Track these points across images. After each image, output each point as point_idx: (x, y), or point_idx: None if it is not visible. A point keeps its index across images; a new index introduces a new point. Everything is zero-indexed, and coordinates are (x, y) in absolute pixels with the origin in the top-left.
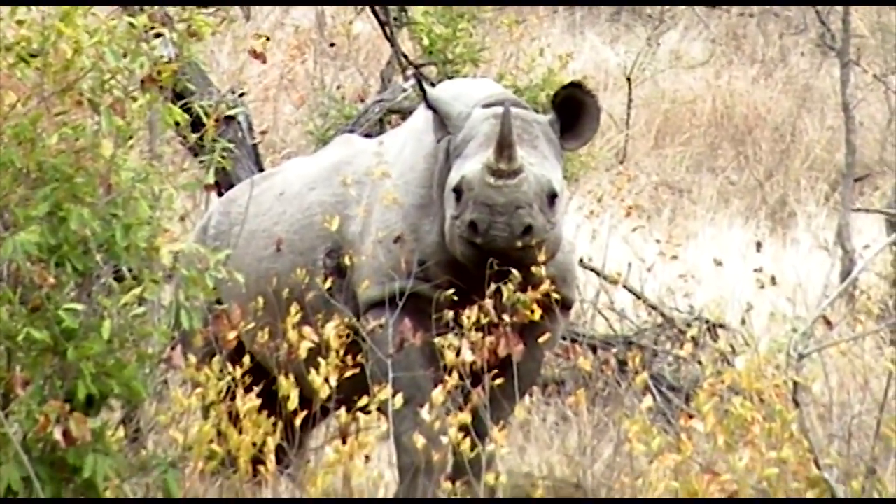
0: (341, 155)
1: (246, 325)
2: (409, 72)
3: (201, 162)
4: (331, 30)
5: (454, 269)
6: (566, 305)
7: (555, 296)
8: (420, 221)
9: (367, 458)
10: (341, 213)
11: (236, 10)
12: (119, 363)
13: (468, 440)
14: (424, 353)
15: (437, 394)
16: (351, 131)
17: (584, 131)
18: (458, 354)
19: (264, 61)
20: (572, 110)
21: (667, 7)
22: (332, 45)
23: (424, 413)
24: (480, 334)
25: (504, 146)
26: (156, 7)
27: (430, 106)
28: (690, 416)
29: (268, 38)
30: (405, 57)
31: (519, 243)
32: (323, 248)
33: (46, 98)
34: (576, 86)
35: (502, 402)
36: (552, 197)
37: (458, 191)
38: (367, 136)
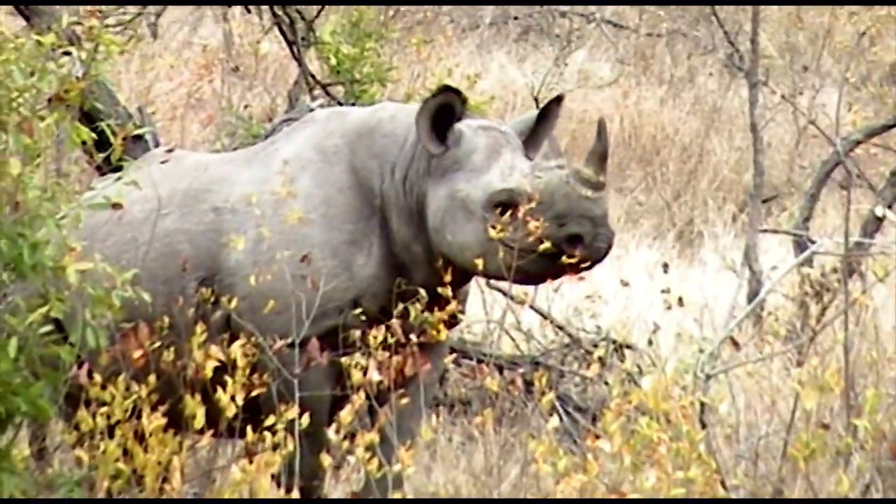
0: (190, 181)
1: (152, 345)
2: (317, 91)
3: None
4: (238, 49)
5: (387, 299)
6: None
7: (460, 315)
8: (353, 258)
9: (273, 476)
10: (215, 241)
11: (144, 29)
12: (25, 382)
13: (375, 461)
14: (329, 373)
15: (345, 414)
16: None
17: (539, 140)
18: (364, 374)
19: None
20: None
21: (575, 27)
22: (235, 68)
23: (331, 433)
24: (387, 354)
25: (604, 159)
26: (64, 25)
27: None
28: (597, 437)
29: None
30: (312, 76)
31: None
32: (194, 277)
33: None
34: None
35: (409, 422)
36: None
37: (505, 204)
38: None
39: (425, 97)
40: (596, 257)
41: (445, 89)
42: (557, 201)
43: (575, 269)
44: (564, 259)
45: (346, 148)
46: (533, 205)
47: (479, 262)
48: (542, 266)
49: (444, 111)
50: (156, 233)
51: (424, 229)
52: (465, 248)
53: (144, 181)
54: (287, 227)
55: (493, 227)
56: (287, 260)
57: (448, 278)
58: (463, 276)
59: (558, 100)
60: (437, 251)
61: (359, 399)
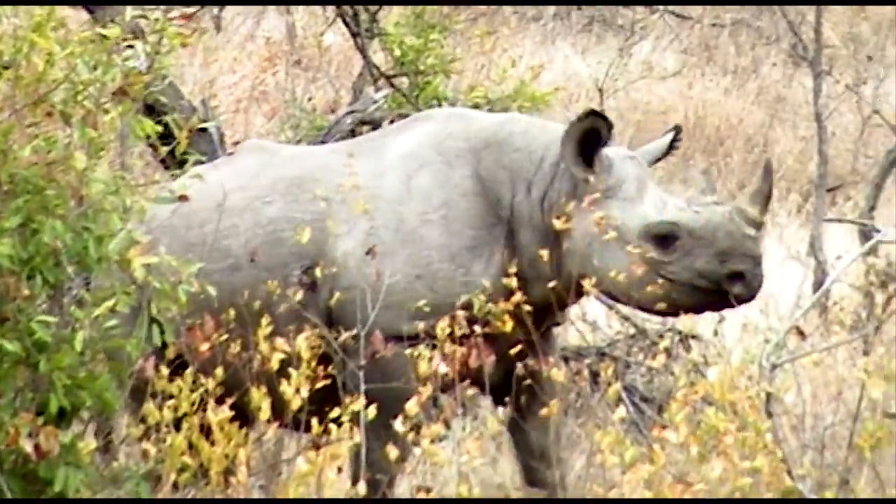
0: (294, 169)
1: (219, 338)
2: (380, 83)
3: (172, 174)
4: (302, 41)
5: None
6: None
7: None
8: (471, 264)
9: (340, 469)
10: (322, 230)
11: (208, 22)
12: (91, 375)
13: (441, 453)
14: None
15: (411, 405)
16: (323, 142)
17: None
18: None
19: None
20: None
21: (639, 18)
22: (299, 61)
23: (398, 424)
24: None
25: (769, 199)
26: (128, 19)
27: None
28: (663, 427)
29: None
30: (376, 68)
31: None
32: (299, 265)
33: (18, 110)
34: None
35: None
36: None
37: (668, 237)
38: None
39: (571, 121)
40: (751, 295)
41: (592, 113)
42: (721, 238)
43: (728, 304)
44: (728, 293)
45: (469, 154)
46: (694, 240)
47: (628, 291)
48: (695, 299)
49: (591, 135)
50: (257, 220)
51: (557, 249)
52: (614, 274)
53: (242, 171)
54: (404, 226)
55: (648, 259)
56: (404, 259)
57: (571, 300)
58: (577, 297)
59: (676, 129)
60: (576, 273)
61: (425, 391)
